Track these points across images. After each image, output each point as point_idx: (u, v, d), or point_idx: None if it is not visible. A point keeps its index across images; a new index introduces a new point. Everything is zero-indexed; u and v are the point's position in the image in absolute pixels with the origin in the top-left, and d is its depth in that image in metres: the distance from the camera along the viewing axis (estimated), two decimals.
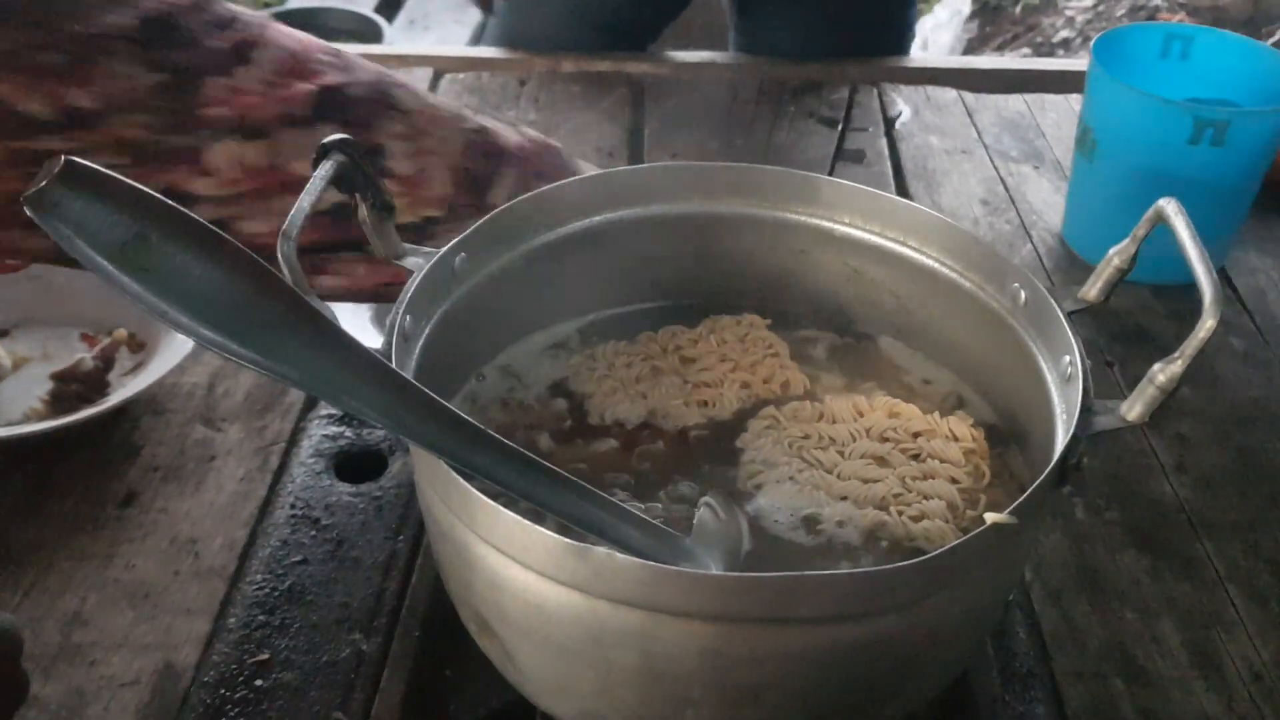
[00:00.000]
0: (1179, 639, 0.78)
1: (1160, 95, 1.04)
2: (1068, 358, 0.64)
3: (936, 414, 0.74)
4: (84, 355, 0.94)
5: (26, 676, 0.62)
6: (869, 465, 0.71)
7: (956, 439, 0.72)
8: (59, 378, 0.92)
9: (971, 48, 3.23)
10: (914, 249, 0.77)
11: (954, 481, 0.69)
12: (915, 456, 0.71)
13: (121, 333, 0.96)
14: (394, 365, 0.60)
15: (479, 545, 0.58)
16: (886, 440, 0.72)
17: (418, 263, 0.69)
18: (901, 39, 1.57)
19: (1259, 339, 1.06)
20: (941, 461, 0.71)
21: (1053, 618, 0.79)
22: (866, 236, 0.79)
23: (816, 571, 0.64)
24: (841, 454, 0.71)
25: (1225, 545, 0.85)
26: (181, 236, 0.48)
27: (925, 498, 0.68)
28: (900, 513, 0.68)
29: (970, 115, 1.41)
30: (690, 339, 0.80)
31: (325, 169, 0.63)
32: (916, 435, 0.72)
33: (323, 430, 0.91)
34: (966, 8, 3.28)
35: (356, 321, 0.97)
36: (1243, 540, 0.86)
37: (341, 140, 0.64)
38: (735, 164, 0.80)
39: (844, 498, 0.69)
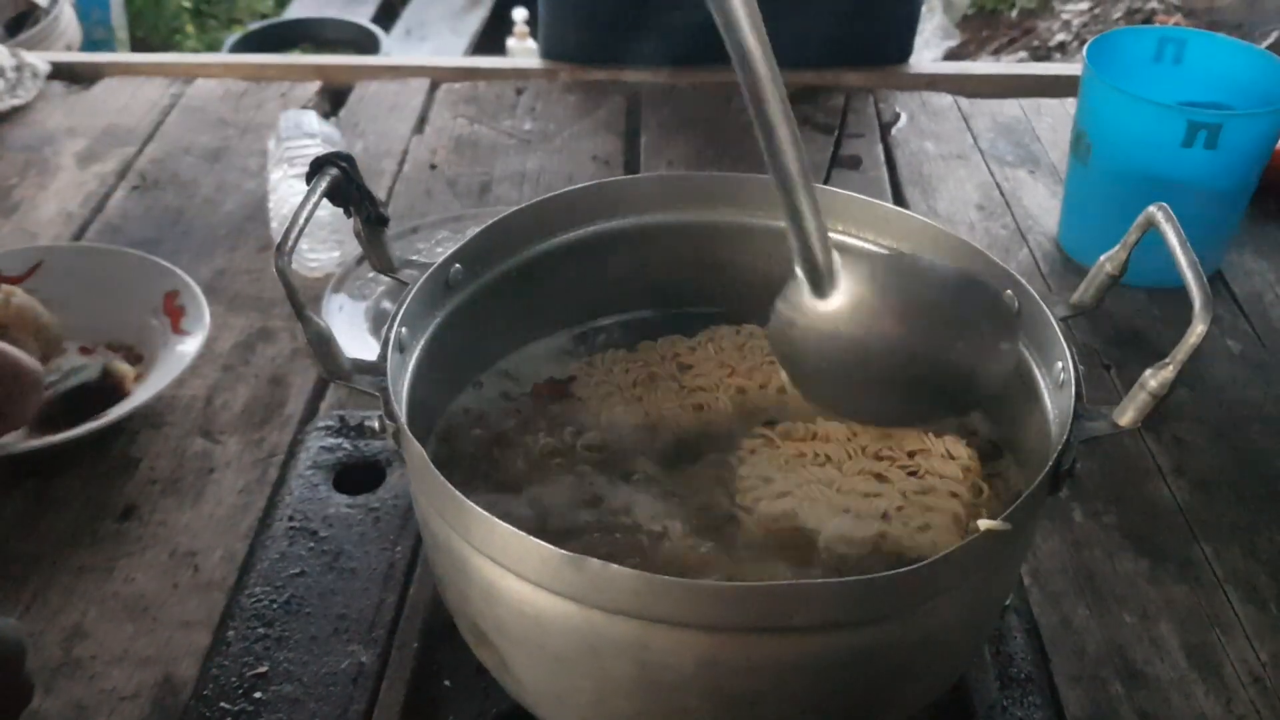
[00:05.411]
0: (1178, 642, 0.78)
1: (1153, 99, 1.05)
2: (1060, 364, 0.64)
3: (931, 434, 0.73)
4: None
5: (31, 682, 0.62)
6: (868, 480, 0.70)
7: (954, 457, 0.71)
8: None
9: (966, 52, 3.23)
10: None
11: (954, 496, 0.69)
12: (913, 474, 0.70)
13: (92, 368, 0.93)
14: (390, 377, 0.61)
15: (475, 556, 0.58)
16: (882, 459, 0.71)
17: (413, 275, 0.70)
18: (904, 41, 1.55)
19: (1256, 342, 1.06)
20: (941, 478, 0.70)
21: (1051, 621, 0.79)
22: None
23: (810, 580, 0.64)
24: (839, 470, 0.71)
25: (1223, 548, 0.85)
26: None
27: (928, 509, 0.68)
28: (905, 524, 0.67)
29: (966, 120, 1.42)
30: (689, 348, 0.80)
31: (320, 183, 0.63)
32: (912, 454, 0.72)
33: (320, 442, 0.92)
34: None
35: (355, 332, 0.98)
36: (1241, 543, 0.86)
37: (335, 154, 0.64)
38: (730, 173, 0.81)
39: (845, 510, 0.68)
